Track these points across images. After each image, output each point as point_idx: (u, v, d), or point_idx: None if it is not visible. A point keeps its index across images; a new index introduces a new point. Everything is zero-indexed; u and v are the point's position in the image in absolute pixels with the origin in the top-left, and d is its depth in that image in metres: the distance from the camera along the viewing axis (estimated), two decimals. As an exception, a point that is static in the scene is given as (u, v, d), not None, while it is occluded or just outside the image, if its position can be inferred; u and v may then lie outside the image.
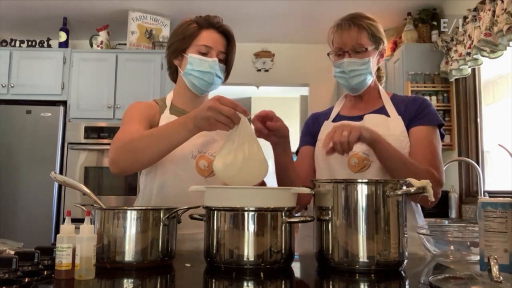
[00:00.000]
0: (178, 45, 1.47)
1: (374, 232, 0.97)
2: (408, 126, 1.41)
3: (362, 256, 0.97)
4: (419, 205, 1.45)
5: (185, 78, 1.47)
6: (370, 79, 1.47)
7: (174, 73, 1.55)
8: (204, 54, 1.44)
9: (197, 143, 1.38)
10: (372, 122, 1.42)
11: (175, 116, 1.43)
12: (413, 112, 1.43)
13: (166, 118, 1.43)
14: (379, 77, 1.56)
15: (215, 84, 1.48)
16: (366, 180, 1.01)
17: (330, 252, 1.00)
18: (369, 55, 1.42)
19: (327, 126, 1.51)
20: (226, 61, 1.50)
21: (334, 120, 1.53)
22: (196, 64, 1.43)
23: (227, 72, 1.52)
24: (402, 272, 0.99)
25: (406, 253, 1.01)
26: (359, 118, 1.46)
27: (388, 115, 1.44)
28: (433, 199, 1.00)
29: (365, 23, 1.43)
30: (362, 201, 0.98)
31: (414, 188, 0.99)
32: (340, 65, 1.43)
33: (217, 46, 1.45)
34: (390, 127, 1.41)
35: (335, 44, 1.45)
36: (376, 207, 0.98)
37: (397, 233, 0.99)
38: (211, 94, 1.45)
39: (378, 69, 1.55)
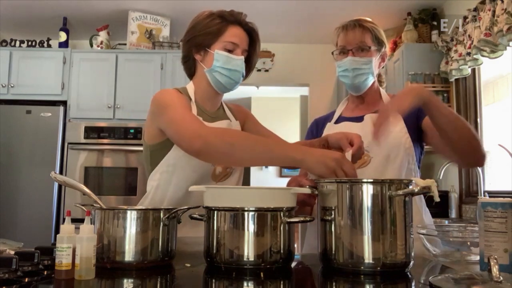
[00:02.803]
0: (202, 40, 1.41)
1: (380, 233, 0.96)
2: (417, 122, 1.42)
3: (368, 257, 0.96)
4: (424, 204, 1.46)
5: (209, 74, 1.42)
6: (372, 80, 1.49)
7: (191, 68, 1.49)
8: (229, 51, 1.39)
9: None
10: (372, 121, 1.44)
11: (201, 117, 1.37)
12: (415, 109, 1.43)
13: None
14: (380, 82, 1.59)
15: (239, 83, 1.44)
16: (371, 180, 1.00)
17: (334, 253, 0.99)
18: (372, 55, 1.45)
19: (330, 128, 1.53)
20: (249, 59, 1.47)
21: (336, 122, 1.55)
22: (223, 61, 1.39)
23: (248, 70, 1.49)
24: (408, 273, 0.99)
25: (413, 254, 1.00)
26: (360, 118, 1.49)
27: None
28: (438, 199, 0.99)
29: (369, 25, 1.47)
30: (366, 201, 0.98)
31: (419, 188, 0.99)
32: (344, 63, 1.45)
33: (243, 44, 1.42)
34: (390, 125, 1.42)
35: (340, 43, 1.48)
36: (381, 207, 0.97)
37: (403, 234, 0.98)
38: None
39: (379, 75, 1.58)
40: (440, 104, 1.24)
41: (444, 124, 1.25)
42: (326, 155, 1.12)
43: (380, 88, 1.56)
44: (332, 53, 1.51)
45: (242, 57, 1.41)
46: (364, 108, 1.52)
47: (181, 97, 1.39)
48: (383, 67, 1.56)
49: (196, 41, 1.43)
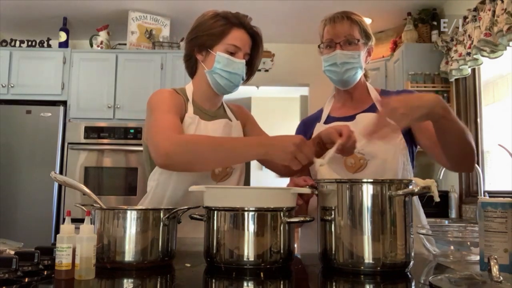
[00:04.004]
0: (205, 40, 1.41)
1: (380, 233, 0.96)
2: None
3: (368, 257, 0.96)
4: (420, 204, 1.45)
5: (209, 75, 1.42)
6: (360, 74, 1.46)
7: (193, 66, 1.49)
8: (231, 54, 1.39)
9: None
10: (364, 121, 1.42)
11: (198, 116, 1.40)
12: None
13: (190, 118, 1.39)
14: (365, 77, 1.55)
15: (238, 86, 1.45)
16: (371, 180, 1.00)
17: (334, 253, 0.99)
18: (360, 48, 1.43)
19: (320, 129, 1.49)
20: (250, 63, 1.47)
21: (325, 122, 1.52)
22: (224, 63, 1.39)
23: (250, 73, 1.49)
24: (408, 273, 0.99)
25: (412, 254, 1.00)
26: (351, 118, 1.46)
27: None
28: (438, 199, 0.99)
29: (356, 18, 1.45)
30: (366, 201, 0.98)
31: (419, 187, 0.98)
32: (332, 57, 1.42)
33: (245, 48, 1.42)
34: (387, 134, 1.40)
35: (327, 35, 1.45)
36: (381, 207, 0.97)
37: (403, 234, 0.98)
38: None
39: (364, 70, 1.54)
40: (455, 119, 1.15)
41: (452, 138, 1.19)
42: (285, 140, 1.15)
43: (368, 84, 1.53)
44: (319, 46, 1.47)
45: (243, 61, 1.41)
46: (353, 106, 1.49)
47: (172, 99, 1.39)
48: (368, 62, 1.52)
49: (199, 41, 1.42)
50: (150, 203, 1.40)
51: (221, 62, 1.39)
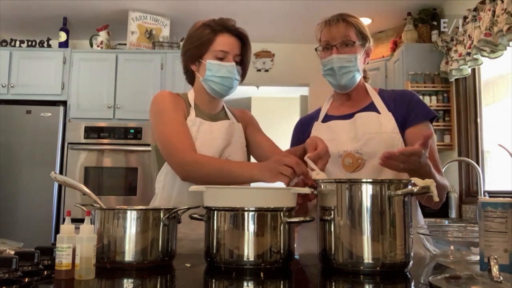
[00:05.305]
0: (194, 52, 1.47)
1: (379, 233, 0.96)
2: (402, 125, 1.40)
3: (367, 257, 0.96)
4: (418, 205, 1.45)
5: (204, 84, 1.47)
6: (359, 77, 1.47)
7: (191, 77, 1.56)
8: (221, 59, 1.44)
9: (220, 147, 1.43)
10: (363, 120, 1.43)
11: (200, 118, 1.46)
12: (404, 109, 1.42)
13: (191, 121, 1.44)
14: (364, 78, 1.55)
15: (234, 88, 1.49)
16: (370, 180, 1.00)
17: (333, 253, 1.00)
18: (357, 51, 1.43)
19: (318, 128, 1.51)
20: (242, 62, 1.50)
21: (323, 121, 1.52)
22: (214, 70, 1.44)
23: (243, 73, 1.53)
24: (407, 273, 0.99)
25: (412, 254, 1.00)
26: (349, 116, 1.46)
27: (378, 112, 1.43)
28: (437, 199, 0.99)
29: (352, 20, 1.46)
30: (365, 201, 0.98)
31: (418, 187, 0.98)
32: (329, 62, 1.43)
33: (234, 50, 1.45)
34: (382, 124, 1.40)
35: (323, 38, 1.46)
36: (380, 207, 0.97)
37: (403, 234, 0.98)
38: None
39: (364, 71, 1.54)
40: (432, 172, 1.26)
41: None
42: (269, 162, 1.24)
43: (366, 84, 1.53)
44: (316, 49, 1.48)
45: (233, 63, 1.44)
46: (351, 106, 1.49)
47: (175, 100, 1.45)
48: (368, 63, 1.52)
49: (190, 53, 1.49)
50: (159, 204, 1.43)
51: (212, 69, 1.44)
